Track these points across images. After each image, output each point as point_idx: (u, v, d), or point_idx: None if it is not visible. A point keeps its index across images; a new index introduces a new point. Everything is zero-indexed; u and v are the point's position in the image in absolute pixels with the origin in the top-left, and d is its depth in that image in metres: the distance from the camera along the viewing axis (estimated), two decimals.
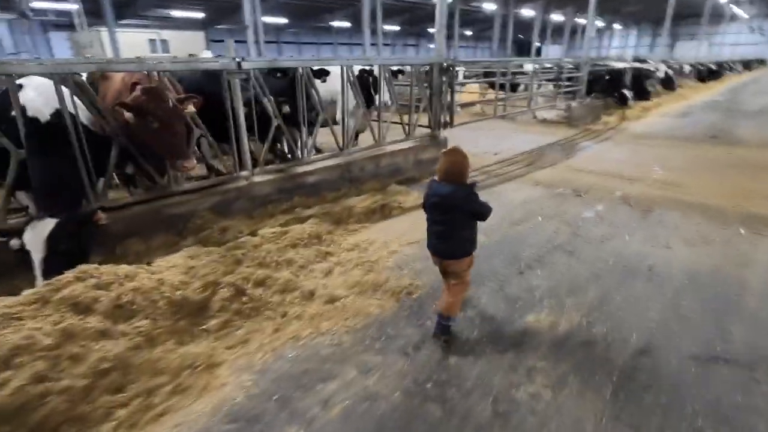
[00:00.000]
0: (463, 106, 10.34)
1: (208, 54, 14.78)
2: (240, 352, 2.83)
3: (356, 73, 6.62)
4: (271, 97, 4.78)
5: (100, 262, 3.06)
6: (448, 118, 7.17)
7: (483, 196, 2.87)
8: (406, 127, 6.65)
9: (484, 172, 7.15)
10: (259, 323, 3.10)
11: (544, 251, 4.27)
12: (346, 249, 4.20)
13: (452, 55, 6.87)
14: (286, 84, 5.43)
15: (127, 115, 3.49)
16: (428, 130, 7.12)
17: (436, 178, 2.72)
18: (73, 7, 19.77)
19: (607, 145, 9.46)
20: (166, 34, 27.03)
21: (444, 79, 6.85)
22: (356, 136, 7.07)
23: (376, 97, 6.24)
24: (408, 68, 6.91)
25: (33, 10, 23.16)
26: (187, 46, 26.85)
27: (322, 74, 5.73)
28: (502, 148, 9.03)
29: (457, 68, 7.50)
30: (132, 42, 23.73)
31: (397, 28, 43.21)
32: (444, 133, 7.28)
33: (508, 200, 5.72)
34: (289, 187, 5.20)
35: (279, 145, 5.64)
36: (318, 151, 6.27)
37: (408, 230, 4.67)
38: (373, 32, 26.08)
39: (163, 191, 4.21)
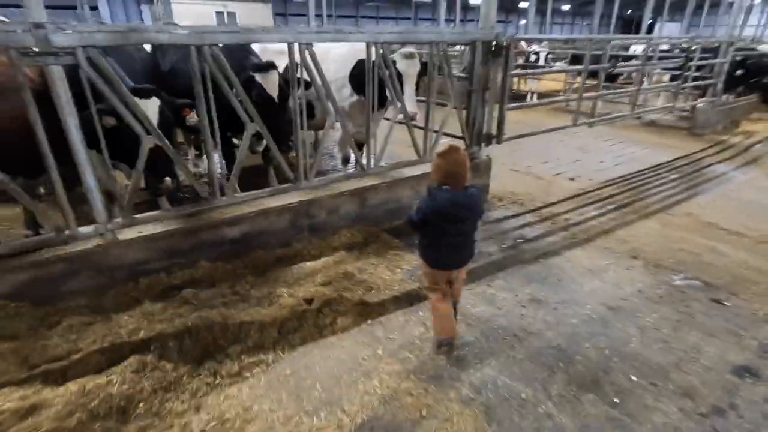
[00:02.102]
0: (534, 101, 7.48)
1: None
2: None
3: (350, 55, 4.34)
4: (131, 96, 2.67)
5: None
6: (494, 129, 4.59)
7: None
8: (421, 142, 4.20)
9: (541, 217, 4.50)
10: None
11: None
12: None
13: (514, 31, 4.07)
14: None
15: None
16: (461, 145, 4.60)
17: (444, 185, 2.27)
18: None
19: (755, 173, 6.15)
20: (232, 6, 26.34)
21: (493, 65, 4.27)
22: (360, 146, 4.81)
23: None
24: (423, 49, 4.24)
25: None
26: (255, 20, 26.04)
27: (263, 69, 3.49)
28: (583, 169, 6.17)
29: (538, 49, 4.77)
30: (199, 13, 23.32)
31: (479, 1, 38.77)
32: (486, 150, 4.73)
33: (573, 301, 3.13)
34: (187, 248, 3.14)
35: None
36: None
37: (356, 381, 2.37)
38: (450, 7, 22.88)
39: None
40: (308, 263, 3.39)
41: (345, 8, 37.58)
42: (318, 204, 3.65)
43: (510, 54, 4.30)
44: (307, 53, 3.17)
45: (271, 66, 3.51)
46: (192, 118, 3.02)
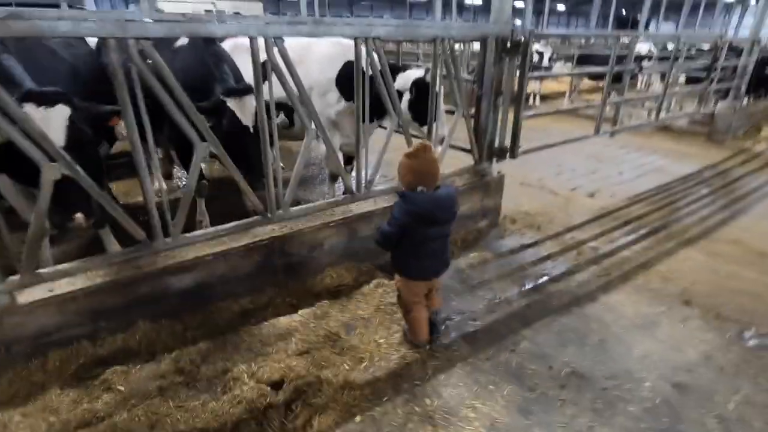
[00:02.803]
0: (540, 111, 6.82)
1: None
2: None
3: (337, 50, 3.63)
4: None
5: None
6: (508, 142, 3.87)
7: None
8: None
9: (564, 246, 3.78)
10: None
11: None
12: None
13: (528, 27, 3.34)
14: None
15: None
16: (469, 161, 3.89)
17: (421, 188, 2.14)
18: None
19: None
20: (222, 4, 25.44)
21: (507, 65, 3.55)
22: (350, 160, 4.08)
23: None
24: (420, 46, 3.48)
25: None
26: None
27: (237, 93, 2.73)
28: (602, 182, 5.47)
29: (541, 49, 4.05)
30: (188, 11, 22.51)
31: (478, 2, 37.89)
32: (498, 166, 4.01)
33: (627, 375, 2.41)
34: (119, 306, 2.38)
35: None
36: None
37: None
38: (446, 7, 22.17)
39: None
40: (282, 319, 2.65)
41: (339, 8, 36.76)
42: (296, 239, 2.91)
43: (528, 51, 3.58)
44: (276, 50, 2.43)
45: (247, 90, 2.75)
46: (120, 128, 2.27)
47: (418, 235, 2.19)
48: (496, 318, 2.76)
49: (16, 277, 2.10)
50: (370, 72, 3.46)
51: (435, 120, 3.37)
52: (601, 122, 4.73)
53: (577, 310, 2.88)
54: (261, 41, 2.37)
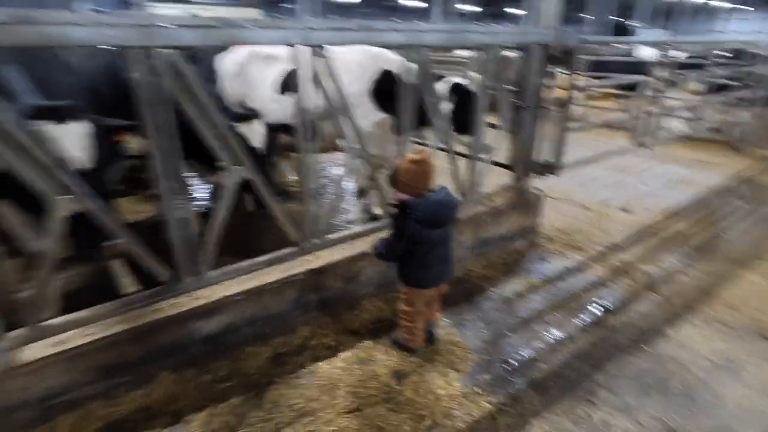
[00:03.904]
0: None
1: None
2: None
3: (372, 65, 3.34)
4: None
5: None
6: (552, 157, 3.59)
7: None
8: (459, 175, 3.17)
9: (612, 270, 3.50)
10: None
11: None
12: None
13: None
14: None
15: None
16: (506, 178, 3.61)
17: (426, 192, 2.09)
18: None
19: None
20: (218, 10, 24.97)
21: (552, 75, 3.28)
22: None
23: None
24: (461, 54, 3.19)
25: None
26: None
27: (243, 119, 2.62)
28: (631, 194, 5.22)
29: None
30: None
31: (477, 9, 37.62)
32: (537, 183, 3.74)
33: (723, 427, 2.12)
34: (137, 359, 2.04)
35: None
36: None
37: None
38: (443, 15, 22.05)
39: None
40: (322, 365, 2.33)
41: (334, 16, 36.46)
42: (332, 271, 2.59)
43: (574, 61, 3.31)
44: (319, 60, 2.12)
45: (252, 116, 2.73)
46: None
47: (426, 242, 2.14)
48: (563, 360, 2.45)
49: (19, 331, 1.76)
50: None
51: (477, 132, 3.08)
52: (642, 134, 4.48)
53: (648, 349, 2.58)
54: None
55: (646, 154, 6.89)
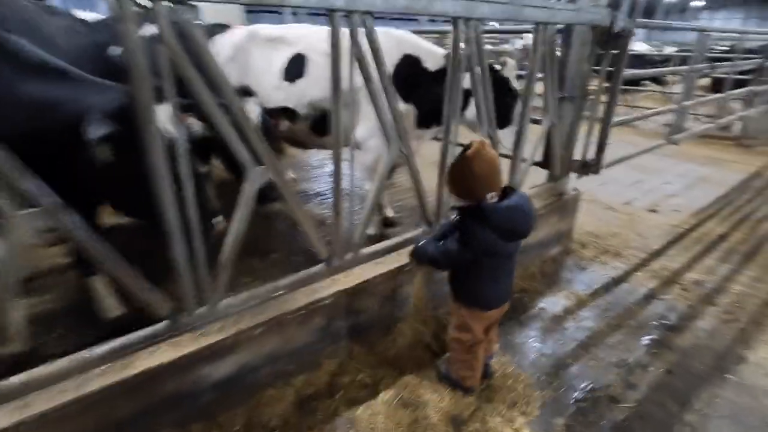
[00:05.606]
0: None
1: None
2: None
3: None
4: None
5: None
6: (593, 154, 3.22)
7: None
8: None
9: (660, 279, 3.14)
10: None
11: None
12: None
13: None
14: None
15: None
16: (542, 177, 3.22)
17: (491, 195, 1.70)
18: None
19: None
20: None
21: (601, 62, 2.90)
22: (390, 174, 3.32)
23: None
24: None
25: None
26: (221, 15, 23.92)
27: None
28: (655, 194, 4.92)
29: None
30: None
31: None
32: (575, 183, 3.37)
33: None
34: (133, 415, 1.57)
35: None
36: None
37: None
38: None
39: None
40: (361, 412, 1.89)
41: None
42: (366, 291, 2.15)
43: (627, 47, 2.93)
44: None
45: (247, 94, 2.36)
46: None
47: (500, 256, 1.80)
48: (642, 395, 2.08)
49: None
50: (437, 65, 2.77)
51: (520, 125, 2.68)
52: (677, 129, 4.16)
53: (729, 377, 2.23)
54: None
55: (659, 152, 6.66)
